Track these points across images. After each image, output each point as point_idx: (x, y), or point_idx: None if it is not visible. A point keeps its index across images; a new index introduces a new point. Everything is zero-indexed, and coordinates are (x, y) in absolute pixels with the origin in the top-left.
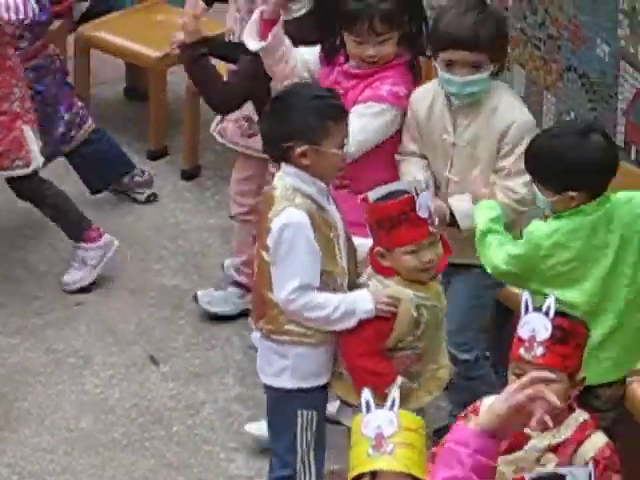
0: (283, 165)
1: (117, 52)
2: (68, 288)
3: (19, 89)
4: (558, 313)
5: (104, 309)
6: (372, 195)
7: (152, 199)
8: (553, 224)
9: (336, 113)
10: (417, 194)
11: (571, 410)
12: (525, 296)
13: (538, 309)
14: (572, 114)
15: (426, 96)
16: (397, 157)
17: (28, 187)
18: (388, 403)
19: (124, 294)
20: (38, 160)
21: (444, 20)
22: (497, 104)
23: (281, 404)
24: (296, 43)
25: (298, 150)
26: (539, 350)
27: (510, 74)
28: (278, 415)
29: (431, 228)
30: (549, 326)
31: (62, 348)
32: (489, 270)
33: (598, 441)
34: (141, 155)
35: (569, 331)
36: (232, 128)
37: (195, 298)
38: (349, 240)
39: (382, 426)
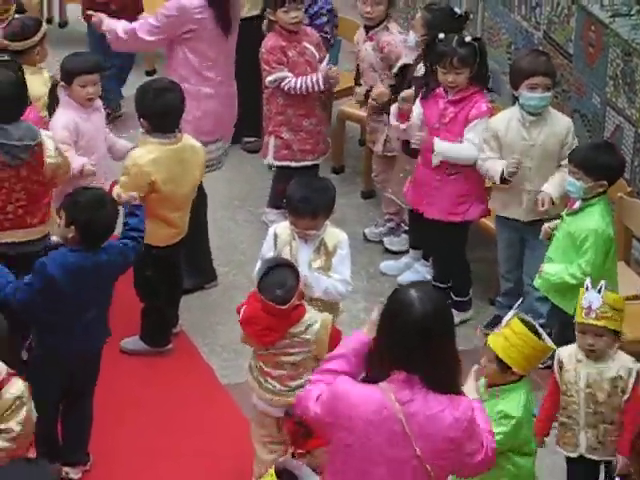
0: None
1: None
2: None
3: None
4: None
5: None
6: None
7: None
8: (596, 212)
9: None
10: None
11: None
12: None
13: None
14: (576, 140)
15: (503, 119)
16: (479, 162)
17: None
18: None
19: None
20: None
21: (526, 60)
22: (553, 116)
23: None
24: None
25: None
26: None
27: None
28: None
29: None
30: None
31: None
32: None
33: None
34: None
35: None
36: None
37: None
38: None
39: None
